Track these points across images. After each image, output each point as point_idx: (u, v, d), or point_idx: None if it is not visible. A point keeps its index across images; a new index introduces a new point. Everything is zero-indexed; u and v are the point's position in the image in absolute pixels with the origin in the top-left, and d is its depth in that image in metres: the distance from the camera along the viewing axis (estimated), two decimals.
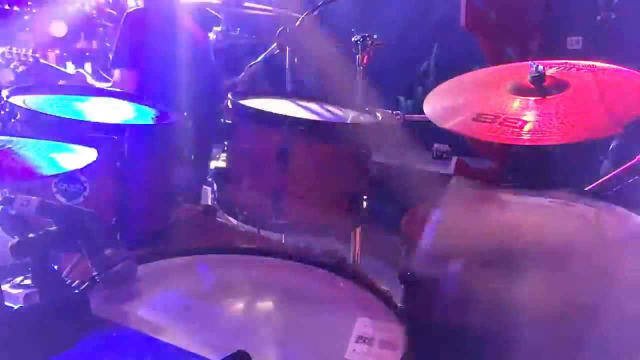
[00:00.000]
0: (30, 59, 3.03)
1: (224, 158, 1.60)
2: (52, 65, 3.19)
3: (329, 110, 1.74)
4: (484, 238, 1.24)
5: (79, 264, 1.24)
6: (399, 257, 1.28)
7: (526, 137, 1.28)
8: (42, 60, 3.10)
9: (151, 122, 1.63)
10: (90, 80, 2.96)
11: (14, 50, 3.06)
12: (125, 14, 2.86)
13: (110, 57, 2.84)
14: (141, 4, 2.99)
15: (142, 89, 2.66)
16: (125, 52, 2.73)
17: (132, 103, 1.77)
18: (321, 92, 1.90)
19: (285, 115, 1.48)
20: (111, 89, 2.63)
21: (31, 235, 0.94)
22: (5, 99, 1.42)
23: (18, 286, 1.12)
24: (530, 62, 1.40)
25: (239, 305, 1.12)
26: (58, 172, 1.18)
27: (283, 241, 2.07)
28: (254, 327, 1.03)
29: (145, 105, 1.75)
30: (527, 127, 1.30)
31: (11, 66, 3.07)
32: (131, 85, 2.67)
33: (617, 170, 1.58)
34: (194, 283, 1.20)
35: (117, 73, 2.74)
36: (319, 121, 1.60)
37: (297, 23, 2.22)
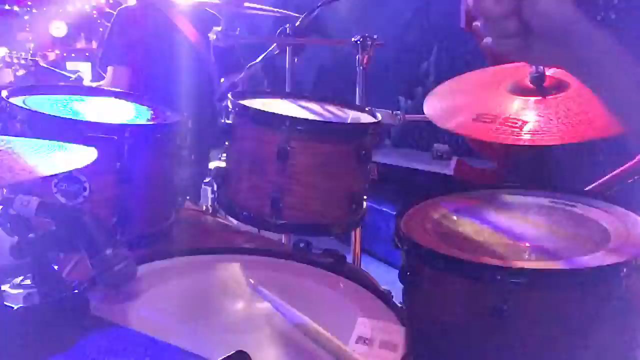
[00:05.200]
0: (31, 63, 3.04)
1: (224, 158, 1.60)
2: (52, 68, 3.20)
3: (329, 110, 1.74)
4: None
5: (79, 264, 1.24)
6: (399, 257, 1.28)
7: (526, 137, 1.28)
8: (42, 64, 3.11)
9: (151, 122, 1.62)
10: (87, 83, 2.97)
11: (15, 54, 3.07)
12: (117, 10, 2.86)
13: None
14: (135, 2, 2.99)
15: (136, 87, 2.66)
16: (117, 49, 2.73)
17: (131, 103, 1.77)
18: (321, 92, 1.90)
19: (285, 115, 1.48)
20: (108, 88, 2.64)
21: (31, 235, 0.94)
22: (5, 99, 1.42)
23: (18, 286, 1.11)
24: None
25: (239, 305, 1.12)
26: (58, 172, 1.18)
27: (283, 241, 2.07)
28: (254, 327, 1.03)
29: (145, 105, 1.75)
30: (527, 127, 1.30)
31: (12, 69, 3.08)
32: (123, 83, 2.67)
33: (617, 170, 1.58)
34: (194, 283, 1.20)
35: (109, 70, 2.74)
36: (319, 121, 1.60)
37: (297, 23, 2.22)
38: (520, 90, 1.40)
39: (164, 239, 1.54)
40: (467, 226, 1.32)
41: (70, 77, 3.06)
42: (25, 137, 1.31)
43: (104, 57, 2.77)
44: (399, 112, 2.03)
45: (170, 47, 2.67)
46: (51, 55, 5.21)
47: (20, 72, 3.07)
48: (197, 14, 2.83)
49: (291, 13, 2.36)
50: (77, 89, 1.79)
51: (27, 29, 5.64)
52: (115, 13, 2.85)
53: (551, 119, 1.29)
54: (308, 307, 1.11)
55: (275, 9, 2.51)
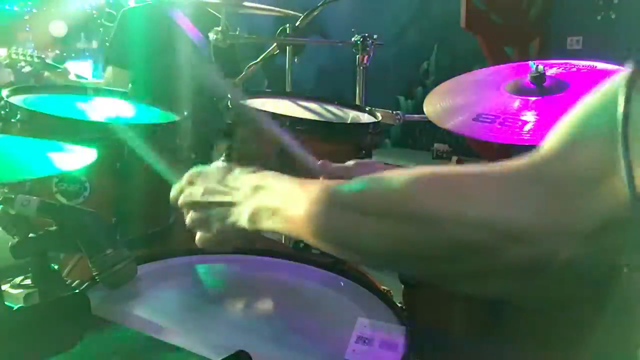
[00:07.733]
0: (37, 60, 3.05)
1: (224, 158, 1.60)
2: (58, 66, 3.21)
3: (329, 110, 1.73)
4: None
5: (79, 264, 1.24)
6: None
7: (526, 137, 1.28)
8: (48, 61, 3.12)
9: (151, 122, 1.62)
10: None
11: (20, 50, 3.08)
12: (121, 11, 2.88)
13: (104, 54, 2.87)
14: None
15: (138, 87, 2.66)
16: (120, 50, 2.74)
17: (131, 103, 1.77)
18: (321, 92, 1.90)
19: (285, 115, 1.48)
20: (109, 88, 2.64)
21: (31, 235, 0.94)
22: (5, 98, 1.42)
23: (18, 286, 1.11)
24: (530, 62, 1.40)
25: (239, 305, 1.12)
26: (57, 173, 1.18)
27: (283, 241, 2.06)
28: (254, 327, 1.03)
29: (146, 105, 1.76)
30: (527, 127, 1.30)
31: (17, 66, 3.10)
32: (122, 84, 2.68)
33: None
34: (194, 283, 1.20)
35: (109, 70, 2.75)
36: (319, 121, 1.60)
37: (297, 23, 2.22)
38: (520, 90, 1.40)
39: (164, 239, 1.54)
40: None
41: (59, 68, 3.08)
42: (25, 136, 1.31)
43: (109, 58, 2.79)
44: (399, 112, 2.04)
45: (172, 47, 2.68)
46: (51, 56, 5.22)
47: (26, 69, 3.08)
48: (198, 13, 2.84)
49: (291, 12, 2.35)
50: (77, 88, 1.79)
51: (27, 29, 5.64)
52: (119, 14, 2.86)
53: (551, 119, 1.29)
54: (308, 307, 1.11)
55: (276, 9, 2.51)
